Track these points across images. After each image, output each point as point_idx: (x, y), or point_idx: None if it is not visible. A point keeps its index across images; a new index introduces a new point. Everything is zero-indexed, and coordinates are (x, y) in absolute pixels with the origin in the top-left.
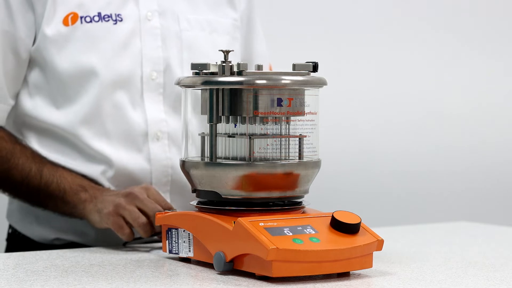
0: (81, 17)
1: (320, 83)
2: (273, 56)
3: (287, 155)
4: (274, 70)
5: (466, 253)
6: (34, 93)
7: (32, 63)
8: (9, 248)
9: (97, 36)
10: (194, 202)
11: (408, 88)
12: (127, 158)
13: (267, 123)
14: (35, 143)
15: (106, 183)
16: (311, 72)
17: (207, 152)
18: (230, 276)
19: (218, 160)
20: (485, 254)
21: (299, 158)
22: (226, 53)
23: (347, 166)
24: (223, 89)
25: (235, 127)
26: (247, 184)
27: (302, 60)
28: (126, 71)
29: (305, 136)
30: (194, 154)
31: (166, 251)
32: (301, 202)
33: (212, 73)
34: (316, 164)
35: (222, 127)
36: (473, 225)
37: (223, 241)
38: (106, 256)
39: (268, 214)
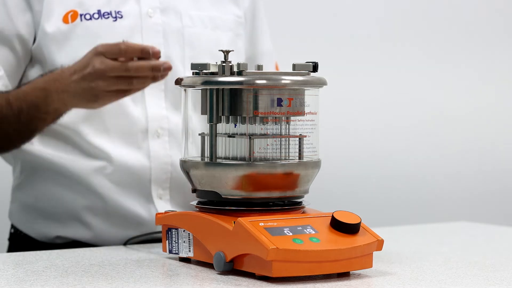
0: (81, 15)
1: (320, 83)
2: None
3: (287, 155)
4: (280, 69)
5: (466, 253)
6: None
7: (33, 60)
8: (11, 248)
9: (97, 33)
10: (194, 202)
11: (408, 88)
12: (127, 155)
13: (267, 123)
14: (35, 141)
15: (104, 180)
16: (311, 72)
17: (207, 152)
18: (230, 276)
19: (218, 160)
20: (485, 254)
21: (299, 158)
22: (226, 53)
23: (347, 166)
24: (223, 89)
25: (235, 127)
26: (247, 184)
27: (302, 60)
28: None
29: (305, 136)
30: (195, 152)
31: (166, 251)
32: (301, 202)
33: (212, 73)
34: (316, 164)
35: (222, 127)
36: (473, 225)
37: (223, 241)
38: (106, 256)
39: (268, 214)
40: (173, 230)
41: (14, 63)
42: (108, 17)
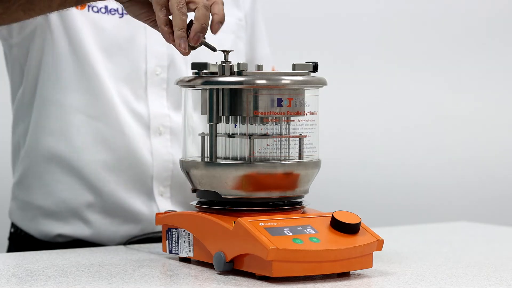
0: (89, 6)
1: (320, 83)
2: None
3: (287, 155)
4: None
5: (466, 253)
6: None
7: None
8: (11, 248)
9: (102, 27)
10: (194, 202)
11: (408, 88)
12: (129, 150)
13: (267, 123)
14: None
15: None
16: (311, 72)
17: (207, 152)
18: (230, 276)
19: (218, 160)
20: (485, 254)
21: (299, 158)
22: (226, 53)
23: (347, 166)
24: (223, 89)
25: (235, 127)
26: (247, 184)
27: (302, 60)
28: (130, 66)
29: (305, 136)
30: (196, 152)
31: (166, 251)
32: (301, 202)
33: (212, 73)
34: (316, 164)
35: (222, 127)
36: (473, 225)
37: (223, 241)
38: (106, 256)
39: (268, 214)
40: (173, 230)
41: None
42: (114, 14)
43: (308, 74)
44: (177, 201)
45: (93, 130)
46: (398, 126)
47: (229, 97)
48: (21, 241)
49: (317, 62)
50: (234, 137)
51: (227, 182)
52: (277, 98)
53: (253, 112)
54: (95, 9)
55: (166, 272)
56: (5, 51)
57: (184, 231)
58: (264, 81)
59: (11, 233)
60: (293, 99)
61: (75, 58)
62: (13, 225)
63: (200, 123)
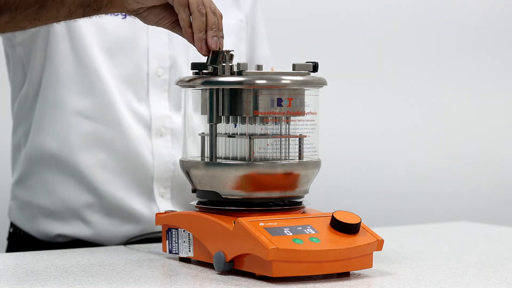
0: None
1: (320, 83)
2: (273, 57)
3: (287, 155)
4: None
5: (466, 253)
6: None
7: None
8: (10, 247)
9: (104, 27)
10: (194, 202)
11: (409, 88)
12: (130, 151)
13: (267, 123)
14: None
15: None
16: (311, 72)
17: (207, 152)
18: (230, 276)
19: (218, 160)
20: (485, 254)
21: (299, 158)
22: (226, 53)
23: (347, 166)
24: (223, 89)
25: (235, 127)
26: (247, 184)
27: (302, 60)
28: (132, 67)
29: (305, 136)
30: (196, 152)
31: (166, 251)
32: (301, 202)
33: (212, 73)
34: (316, 164)
35: (222, 127)
36: (473, 225)
37: (223, 241)
38: (106, 256)
39: (268, 214)
40: (173, 230)
41: None
42: (117, 14)
43: (308, 74)
44: (177, 202)
45: (94, 131)
46: (398, 126)
47: (229, 97)
48: (20, 241)
49: (317, 62)
50: (234, 137)
51: (227, 182)
52: (277, 98)
53: (253, 112)
54: None
55: (166, 272)
56: (7, 52)
57: (184, 231)
58: (264, 81)
59: (10, 233)
60: (293, 99)
61: (77, 59)
62: (12, 225)
63: (200, 123)
